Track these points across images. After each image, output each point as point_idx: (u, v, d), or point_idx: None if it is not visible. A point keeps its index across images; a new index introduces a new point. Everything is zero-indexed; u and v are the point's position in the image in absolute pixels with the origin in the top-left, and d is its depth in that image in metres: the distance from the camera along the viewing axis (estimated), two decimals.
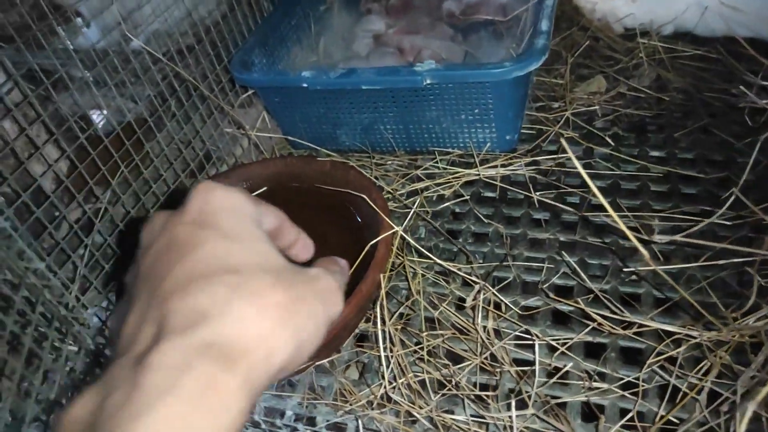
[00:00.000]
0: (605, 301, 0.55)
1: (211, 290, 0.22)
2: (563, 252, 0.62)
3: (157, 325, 0.22)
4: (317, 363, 0.57)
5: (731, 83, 0.78)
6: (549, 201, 0.68)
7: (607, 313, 0.55)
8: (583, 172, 0.34)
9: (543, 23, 0.66)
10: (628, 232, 0.36)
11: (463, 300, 0.60)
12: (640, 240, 0.59)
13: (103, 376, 0.21)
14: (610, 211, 0.35)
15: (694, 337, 0.49)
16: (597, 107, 0.79)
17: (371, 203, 0.59)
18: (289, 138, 0.83)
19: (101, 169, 0.58)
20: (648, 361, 0.50)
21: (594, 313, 0.54)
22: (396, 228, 0.57)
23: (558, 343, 0.54)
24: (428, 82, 0.65)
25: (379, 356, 0.57)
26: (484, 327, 0.57)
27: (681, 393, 0.49)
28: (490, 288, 0.59)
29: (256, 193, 0.68)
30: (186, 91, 0.70)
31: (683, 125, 0.76)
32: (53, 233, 0.53)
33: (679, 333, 0.51)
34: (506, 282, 0.61)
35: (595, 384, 0.51)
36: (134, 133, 0.62)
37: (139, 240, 0.28)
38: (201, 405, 0.19)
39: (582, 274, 0.57)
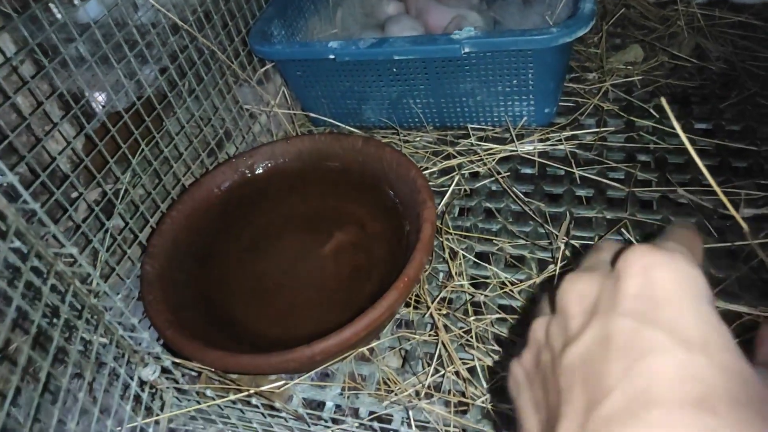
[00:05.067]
0: None
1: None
2: (618, 230, 0.59)
3: None
4: (358, 351, 0.54)
5: None
6: (592, 177, 0.65)
7: None
8: (690, 147, 0.30)
9: None
10: (729, 205, 0.33)
11: (507, 282, 0.56)
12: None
13: None
14: (715, 187, 0.32)
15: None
16: (635, 78, 0.75)
17: (412, 182, 0.56)
18: (310, 114, 0.79)
19: (120, 146, 0.54)
20: None
21: None
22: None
23: None
24: (467, 50, 0.61)
25: (423, 343, 0.54)
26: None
27: None
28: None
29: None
30: (205, 66, 0.65)
31: (728, 96, 0.72)
32: (73, 216, 0.49)
33: (751, 314, 0.47)
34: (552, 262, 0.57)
35: None
36: (153, 109, 0.58)
37: (543, 297, 0.24)
38: None
39: None
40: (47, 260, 0.36)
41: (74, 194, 0.55)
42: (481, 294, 0.56)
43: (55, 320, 0.40)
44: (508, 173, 0.67)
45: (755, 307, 0.49)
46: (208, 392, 0.47)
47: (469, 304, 0.55)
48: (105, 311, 0.41)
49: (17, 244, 0.36)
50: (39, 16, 0.45)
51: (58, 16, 0.62)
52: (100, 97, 0.59)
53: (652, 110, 0.70)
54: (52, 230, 0.35)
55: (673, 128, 0.67)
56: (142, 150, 0.57)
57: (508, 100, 0.68)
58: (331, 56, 0.66)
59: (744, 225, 0.35)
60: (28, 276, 0.35)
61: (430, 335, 0.54)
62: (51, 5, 0.55)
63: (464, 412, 0.49)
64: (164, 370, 0.49)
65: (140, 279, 0.54)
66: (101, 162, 0.53)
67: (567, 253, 0.57)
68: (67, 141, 0.50)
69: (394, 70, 0.67)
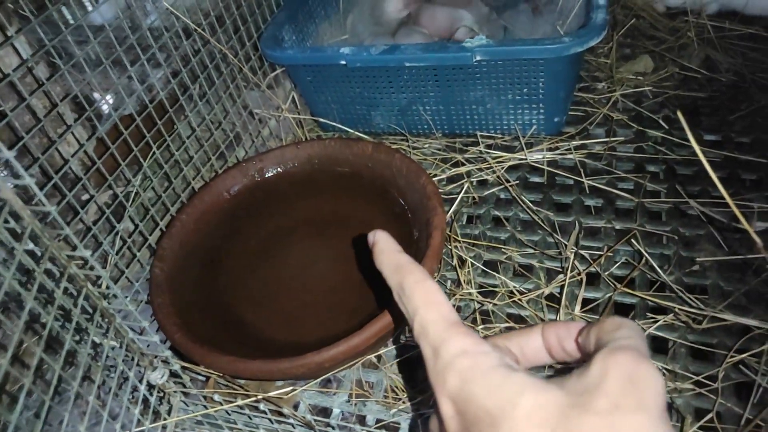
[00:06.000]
0: (679, 293, 0.51)
1: None
2: (628, 241, 0.59)
3: None
4: (365, 358, 0.54)
5: None
6: (601, 186, 0.65)
7: (676, 306, 0.52)
8: (703, 158, 0.30)
9: None
10: (741, 218, 0.33)
11: (516, 291, 0.56)
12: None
13: None
14: (728, 200, 0.32)
15: None
16: (645, 88, 0.75)
17: (422, 188, 0.56)
18: (319, 119, 0.79)
19: (132, 149, 0.54)
20: (727, 359, 0.47)
21: (670, 306, 0.51)
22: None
23: None
24: (478, 58, 0.61)
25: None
26: (545, 320, 0.53)
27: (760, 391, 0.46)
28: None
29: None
30: (216, 70, 0.66)
31: (737, 108, 0.72)
32: (84, 218, 0.50)
33: (761, 328, 0.47)
34: (560, 272, 0.57)
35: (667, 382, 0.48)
36: (165, 112, 0.58)
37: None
38: None
39: (653, 264, 0.54)
40: (61, 262, 0.36)
41: (84, 197, 0.56)
42: (490, 303, 0.56)
43: (66, 324, 0.40)
44: (517, 182, 0.67)
45: (765, 320, 0.48)
46: (216, 397, 0.47)
47: (477, 313, 0.55)
48: (116, 314, 0.41)
49: (31, 246, 0.36)
50: (55, 18, 0.45)
51: (69, 18, 0.62)
52: (112, 100, 0.59)
53: (661, 121, 0.70)
54: (66, 232, 0.35)
55: (683, 139, 0.67)
56: (153, 153, 0.57)
57: (517, 109, 0.68)
58: (343, 62, 0.66)
59: (757, 239, 0.35)
60: (42, 278, 0.35)
61: None
62: (63, 8, 0.56)
63: None
64: (172, 374, 0.49)
65: (149, 282, 0.54)
66: (112, 165, 0.54)
67: (576, 263, 0.57)
68: (80, 143, 0.51)
69: (405, 76, 0.68)
